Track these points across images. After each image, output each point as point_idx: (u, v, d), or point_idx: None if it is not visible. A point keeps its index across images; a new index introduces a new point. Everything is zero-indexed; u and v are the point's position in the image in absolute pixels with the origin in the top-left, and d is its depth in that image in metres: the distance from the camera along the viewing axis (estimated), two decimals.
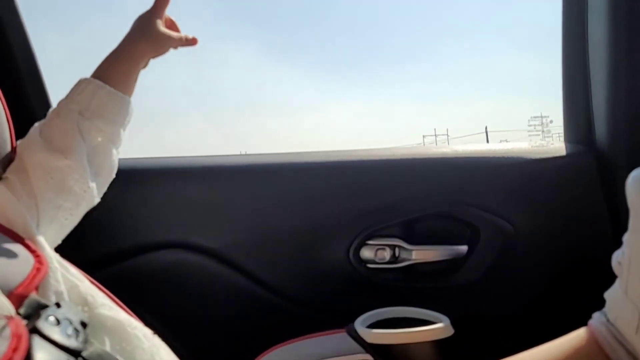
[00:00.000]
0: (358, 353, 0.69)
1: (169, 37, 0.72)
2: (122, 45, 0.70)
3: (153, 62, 0.74)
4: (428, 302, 0.79)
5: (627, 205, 0.53)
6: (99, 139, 0.64)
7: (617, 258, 0.53)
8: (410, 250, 0.86)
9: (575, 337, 0.53)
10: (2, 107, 0.58)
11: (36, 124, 0.63)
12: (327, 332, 0.74)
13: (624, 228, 0.53)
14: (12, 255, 0.43)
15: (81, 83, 0.65)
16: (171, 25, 0.76)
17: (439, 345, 0.68)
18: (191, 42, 0.76)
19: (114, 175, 0.68)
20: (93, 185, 0.62)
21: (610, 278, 0.55)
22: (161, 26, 0.72)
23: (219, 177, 0.90)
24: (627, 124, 0.81)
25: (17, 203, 0.52)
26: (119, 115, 0.66)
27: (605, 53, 0.82)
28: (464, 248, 0.87)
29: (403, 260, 0.87)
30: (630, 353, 0.47)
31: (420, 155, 0.91)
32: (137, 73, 0.70)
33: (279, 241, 0.88)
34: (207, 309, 0.86)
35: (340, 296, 0.86)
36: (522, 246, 0.85)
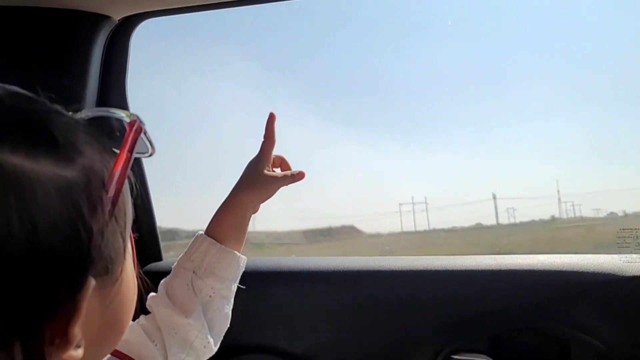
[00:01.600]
0: None
1: (276, 180, 0.72)
2: (231, 197, 0.71)
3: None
4: None
5: None
6: (210, 296, 0.66)
7: None
8: None
9: None
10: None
11: (162, 281, 0.68)
12: None
13: None
14: None
15: (197, 240, 0.68)
16: (281, 162, 0.75)
17: None
18: (298, 177, 0.74)
19: (227, 325, 0.69)
20: (211, 340, 0.64)
21: None
22: (268, 171, 0.72)
23: (304, 281, 0.92)
24: None
25: (153, 347, 0.56)
26: (230, 272, 0.67)
27: None
28: None
29: None
30: None
31: (505, 267, 0.90)
32: (247, 222, 0.71)
33: (358, 349, 0.88)
34: None
35: None
36: None
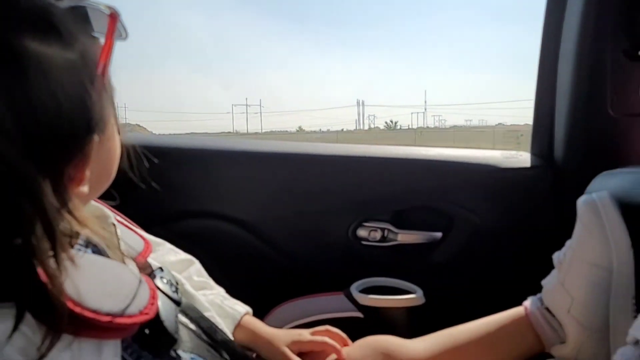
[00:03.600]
0: (352, 311, 0.91)
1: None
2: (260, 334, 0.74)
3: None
4: (408, 275, 1.01)
5: (570, 215, 0.73)
6: None
7: (559, 257, 0.74)
8: (397, 233, 1.07)
9: (512, 314, 0.75)
10: None
11: None
12: (328, 293, 0.96)
13: (565, 233, 0.73)
14: (131, 237, 0.62)
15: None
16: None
17: (413, 311, 0.90)
18: None
19: None
20: None
21: (546, 271, 0.77)
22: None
23: (253, 160, 1.10)
24: (581, 147, 1.01)
25: None
26: None
27: (570, 78, 1.00)
28: (438, 234, 1.08)
29: (390, 240, 1.08)
30: (554, 329, 0.69)
31: (411, 156, 1.11)
32: None
33: (293, 217, 1.09)
34: (232, 268, 1.07)
35: (340, 265, 1.08)
36: (485, 236, 1.07)
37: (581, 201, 0.72)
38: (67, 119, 0.39)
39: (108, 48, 0.46)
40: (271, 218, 1.09)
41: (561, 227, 0.77)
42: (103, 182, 0.52)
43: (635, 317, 0.62)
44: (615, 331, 0.65)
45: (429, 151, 1.13)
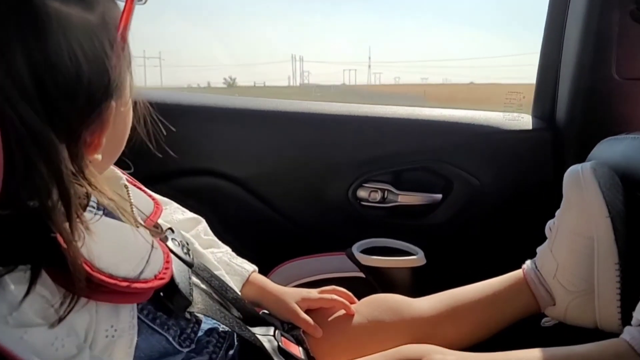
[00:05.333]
0: (353, 271, 0.92)
1: (296, 316, 0.72)
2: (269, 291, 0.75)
3: None
4: (408, 236, 1.02)
5: None
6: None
7: (550, 224, 0.77)
8: (397, 194, 1.08)
9: (511, 277, 0.77)
10: None
11: None
12: (330, 253, 0.97)
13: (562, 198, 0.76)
14: (141, 198, 0.61)
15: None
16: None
17: (414, 271, 0.92)
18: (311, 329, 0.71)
19: None
20: None
21: (543, 234, 0.79)
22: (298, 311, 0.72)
23: (249, 118, 1.08)
24: (584, 111, 1.01)
25: None
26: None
27: (577, 40, 0.99)
28: (438, 196, 1.09)
29: (390, 201, 1.08)
30: (547, 291, 0.72)
31: (412, 116, 1.10)
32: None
33: (292, 177, 1.08)
34: (230, 227, 1.07)
35: (340, 226, 1.09)
36: (484, 198, 1.08)
37: (567, 172, 0.75)
38: (85, 82, 0.39)
39: (128, 12, 0.44)
40: (270, 177, 1.09)
41: (560, 191, 0.79)
42: (117, 149, 0.51)
43: (619, 281, 0.68)
44: (600, 295, 0.70)
45: (430, 112, 1.12)
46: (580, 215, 0.71)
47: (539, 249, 0.78)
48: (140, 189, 0.63)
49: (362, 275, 0.92)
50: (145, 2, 0.50)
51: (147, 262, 0.46)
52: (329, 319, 0.72)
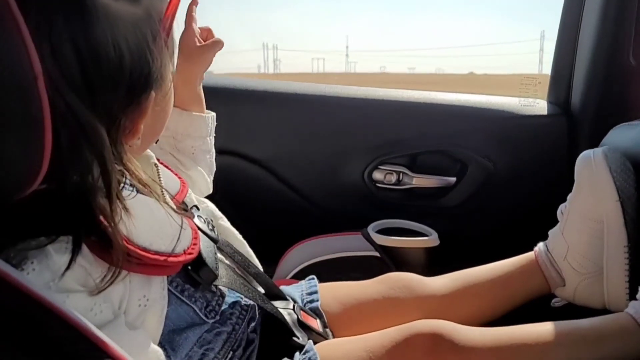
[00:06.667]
0: (369, 251, 0.95)
1: (208, 48, 0.75)
2: (179, 75, 0.74)
3: None
4: (422, 218, 1.05)
5: None
6: (193, 153, 0.77)
7: (561, 208, 0.79)
8: (412, 177, 1.10)
9: (523, 258, 0.80)
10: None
11: None
12: (346, 232, 0.99)
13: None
14: (169, 176, 0.64)
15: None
16: (208, 34, 0.78)
17: (428, 251, 0.95)
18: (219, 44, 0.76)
19: (214, 169, 0.83)
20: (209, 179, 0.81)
21: (556, 218, 0.81)
22: (195, 42, 0.74)
23: (269, 100, 1.11)
24: (599, 97, 1.02)
25: None
26: (202, 130, 0.77)
27: (594, 26, 0.99)
28: (453, 179, 1.11)
29: (405, 184, 1.11)
30: (558, 273, 0.74)
31: (428, 100, 1.12)
32: (200, 91, 0.78)
33: (310, 159, 1.11)
34: (249, 206, 1.10)
35: (356, 206, 1.12)
36: (498, 182, 1.10)
37: (579, 157, 0.77)
38: (127, 73, 0.41)
39: (173, 6, 0.46)
40: (287, 158, 1.12)
41: (573, 176, 0.80)
42: (154, 135, 0.54)
43: (628, 264, 0.70)
44: (608, 276, 0.72)
45: (446, 96, 1.14)
46: (590, 199, 0.73)
47: (550, 232, 0.80)
48: (167, 167, 0.66)
49: (377, 254, 0.94)
50: None
51: (178, 238, 0.49)
52: (346, 295, 0.75)
